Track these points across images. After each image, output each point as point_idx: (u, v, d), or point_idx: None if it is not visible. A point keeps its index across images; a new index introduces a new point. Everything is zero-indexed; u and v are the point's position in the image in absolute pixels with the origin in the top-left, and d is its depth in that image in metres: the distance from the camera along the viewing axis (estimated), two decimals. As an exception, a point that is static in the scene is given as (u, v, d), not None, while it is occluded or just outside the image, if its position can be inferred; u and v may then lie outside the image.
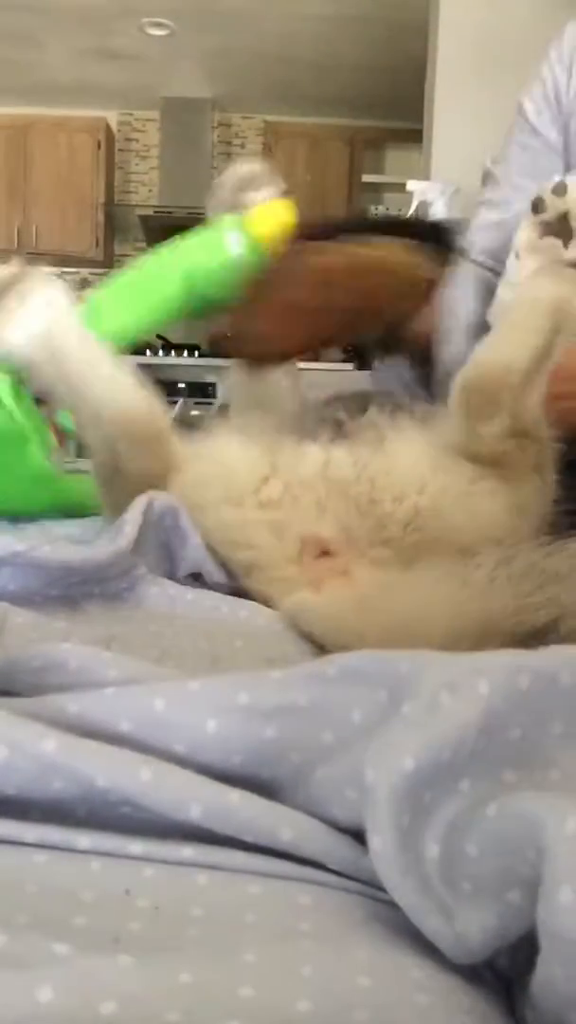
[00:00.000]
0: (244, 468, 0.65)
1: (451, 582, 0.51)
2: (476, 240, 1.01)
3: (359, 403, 0.81)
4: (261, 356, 0.89)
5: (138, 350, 4.52)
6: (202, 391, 4.49)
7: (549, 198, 0.72)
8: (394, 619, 0.50)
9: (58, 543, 0.55)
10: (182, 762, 0.30)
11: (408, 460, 0.64)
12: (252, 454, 0.66)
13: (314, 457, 0.65)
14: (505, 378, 0.63)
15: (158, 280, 0.80)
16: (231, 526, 0.63)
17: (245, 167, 0.86)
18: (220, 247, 0.80)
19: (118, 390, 0.68)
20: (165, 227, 5.34)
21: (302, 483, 0.63)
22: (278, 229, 0.80)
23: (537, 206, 0.73)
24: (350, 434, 0.68)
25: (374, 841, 0.27)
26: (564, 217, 0.71)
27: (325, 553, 0.61)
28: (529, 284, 0.70)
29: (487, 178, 1.13)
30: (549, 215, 0.72)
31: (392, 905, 0.27)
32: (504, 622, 0.45)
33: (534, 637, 0.44)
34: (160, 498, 0.61)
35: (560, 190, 0.72)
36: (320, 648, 0.52)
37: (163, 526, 0.62)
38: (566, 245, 0.72)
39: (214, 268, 0.80)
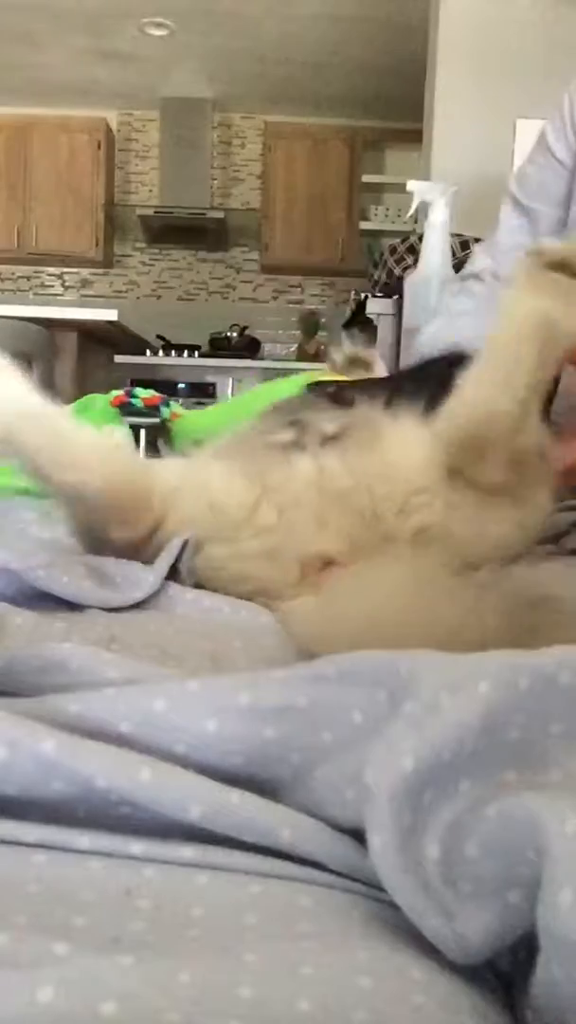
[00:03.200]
0: (232, 501, 0.61)
1: (433, 592, 0.49)
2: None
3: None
4: None
5: (138, 350, 4.52)
6: (202, 391, 4.48)
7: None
8: (364, 627, 0.48)
9: (57, 561, 0.54)
10: (182, 762, 0.30)
11: (408, 465, 0.60)
12: (237, 483, 0.62)
13: (305, 469, 0.61)
14: (490, 429, 0.57)
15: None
16: (224, 563, 0.60)
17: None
18: None
19: (94, 467, 0.61)
20: (165, 227, 5.36)
21: (296, 501, 0.60)
22: None
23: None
24: (341, 435, 0.63)
25: (374, 841, 0.27)
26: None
27: (330, 564, 0.59)
28: (507, 303, 0.60)
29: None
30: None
31: (392, 905, 0.27)
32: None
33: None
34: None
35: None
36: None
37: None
38: None
39: None
